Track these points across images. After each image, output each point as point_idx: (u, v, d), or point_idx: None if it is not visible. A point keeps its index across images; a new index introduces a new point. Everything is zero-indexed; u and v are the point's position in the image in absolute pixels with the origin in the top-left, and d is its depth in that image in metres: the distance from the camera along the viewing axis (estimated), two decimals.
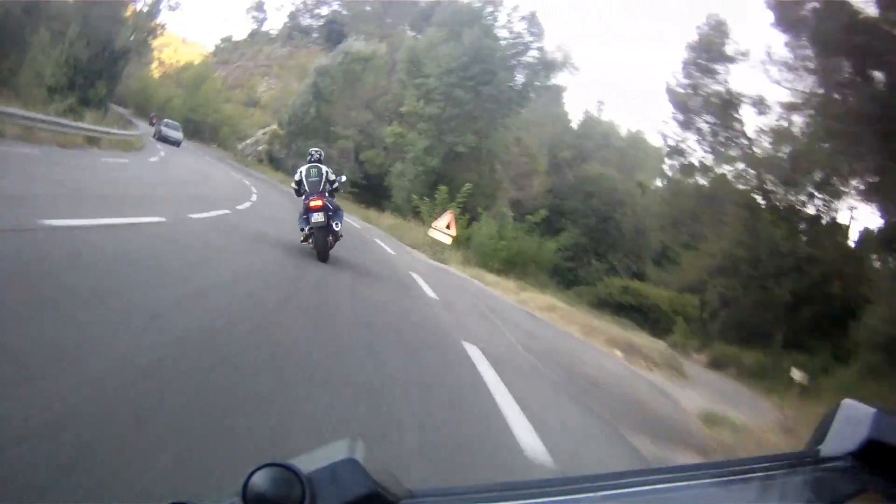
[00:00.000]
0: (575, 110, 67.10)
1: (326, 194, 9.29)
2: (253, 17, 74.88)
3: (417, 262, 15.42)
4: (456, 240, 18.33)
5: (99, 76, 29.02)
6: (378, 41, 45.39)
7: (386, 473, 0.62)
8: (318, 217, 8.96)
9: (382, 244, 16.74)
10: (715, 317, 24.42)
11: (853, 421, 0.72)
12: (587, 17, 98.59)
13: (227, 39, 70.80)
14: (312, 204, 8.99)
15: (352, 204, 33.37)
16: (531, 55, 36.03)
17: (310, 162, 9.84)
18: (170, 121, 35.61)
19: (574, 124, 50.27)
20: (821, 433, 0.75)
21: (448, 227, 18.32)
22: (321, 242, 9.01)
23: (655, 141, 40.42)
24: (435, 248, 18.20)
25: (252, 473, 0.55)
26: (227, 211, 11.45)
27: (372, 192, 40.15)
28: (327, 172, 9.69)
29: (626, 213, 38.41)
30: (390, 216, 30.39)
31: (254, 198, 17.18)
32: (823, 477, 0.70)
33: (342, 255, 9.92)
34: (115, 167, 14.76)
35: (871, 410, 0.70)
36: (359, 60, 45.35)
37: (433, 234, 18.63)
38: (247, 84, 58.40)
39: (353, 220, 23.83)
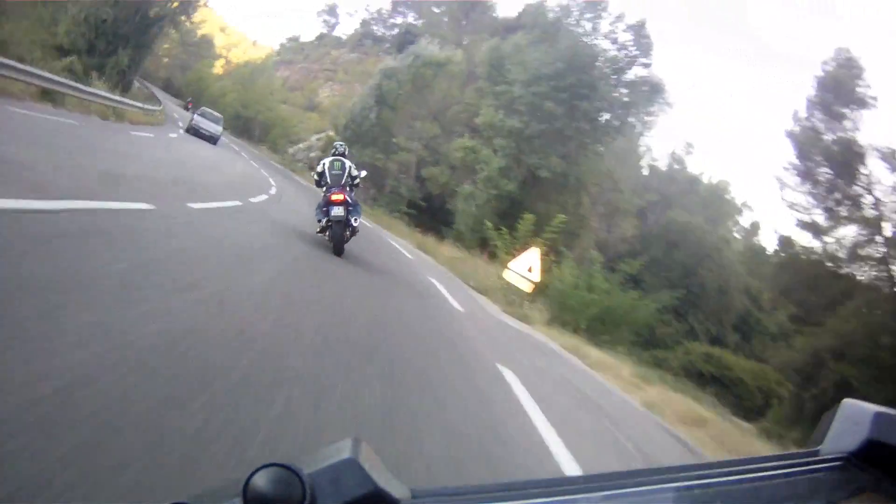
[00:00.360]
0: (655, 149, 59.72)
1: (347, 188, 9.47)
2: (324, 21, 70.35)
3: (490, 318, 12.19)
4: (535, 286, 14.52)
5: (125, 43, 25.31)
6: (454, 48, 38.04)
7: (386, 473, 0.63)
8: (338, 211, 9.03)
9: (441, 287, 12.88)
10: (820, 403, 20.26)
11: (853, 421, 0.72)
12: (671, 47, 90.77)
13: (293, 39, 68.42)
14: (334, 197, 9.10)
15: (406, 227, 30.20)
16: (635, 72, 28.54)
17: (334, 155, 10.02)
18: (208, 110, 29.47)
19: (657, 163, 46.56)
20: (821, 433, 0.74)
21: (530, 269, 14.39)
22: (338, 236, 9.12)
23: (738, 191, 32.68)
24: (510, 296, 14.81)
25: (252, 474, 0.56)
26: (237, 202, 10.52)
27: (431, 215, 35.76)
28: (350, 167, 9.88)
29: (712, 269, 34.77)
30: (451, 246, 26.37)
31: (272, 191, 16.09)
32: (823, 477, 0.70)
33: (393, 302, 8.05)
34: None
35: (871, 410, 0.70)
36: (431, 65, 40.01)
37: (509, 276, 14.79)
38: (308, 87, 55.53)
39: (404, 246, 21.10)
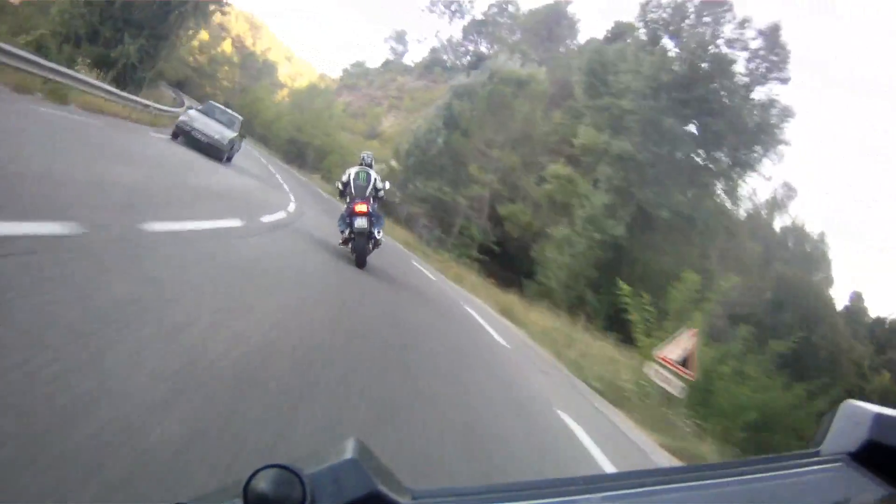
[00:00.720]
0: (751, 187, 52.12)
1: (371, 200, 9.74)
2: (391, 48, 66.53)
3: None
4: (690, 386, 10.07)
5: (137, 31, 21.32)
6: (537, 65, 38.10)
7: (387, 474, 0.65)
8: (362, 222, 9.25)
9: (568, 417, 7.03)
10: None
11: (853, 421, 0.74)
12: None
13: (357, 64, 63.80)
14: (358, 209, 9.34)
15: (478, 277, 24.23)
16: (768, 89, 20.76)
17: (360, 165, 10.32)
18: (216, 104, 20.79)
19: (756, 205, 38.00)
20: (821, 434, 0.76)
21: (686, 362, 9.85)
22: (361, 248, 9.42)
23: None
24: (654, 411, 9.81)
25: (253, 474, 0.58)
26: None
27: (508, 262, 29.98)
28: (375, 179, 10.11)
29: (825, 334, 28.54)
30: (543, 309, 19.67)
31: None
32: (823, 477, 0.72)
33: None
34: None
35: (871, 411, 0.72)
36: (510, 82, 33.75)
37: (653, 373, 10.20)
38: (370, 114, 51.58)
39: (483, 312, 14.78)
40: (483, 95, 33.57)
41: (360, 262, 9.50)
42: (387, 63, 69.00)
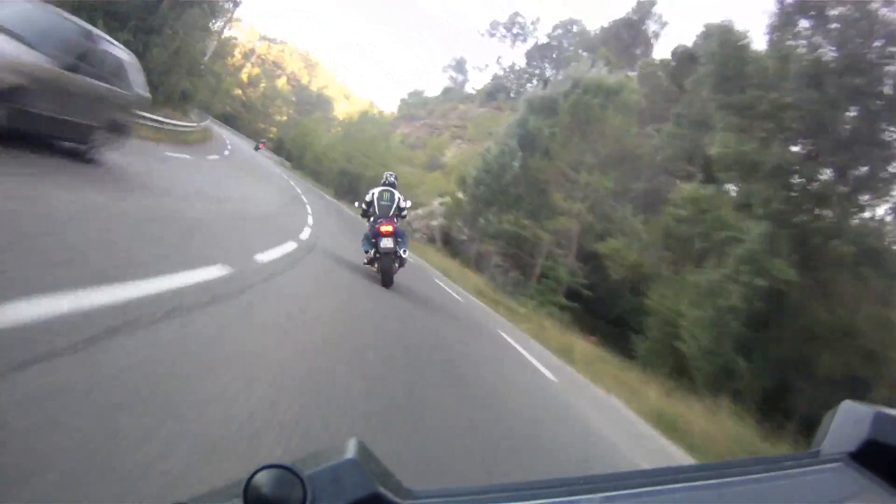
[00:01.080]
0: None
1: (395, 219, 10.11)
2: (450, 77, 63.50)
3: None
4: None
5: (120, 23, 15.65)
6: (627, 72, 24.20)
7: (387, 475, 0.66)
8: (387, 242, 9.41)
9: None
10: None
11: (853, 421, 0.74)
12: None
13: (415, 94, 59.86)
14: (383, 229, 9.50)
15: (559, 332, 17.71)
16: None
17: (383, 185, 10.54)
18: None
19: None
20: (821, 433, 0.76)
21: None
22: (387, 268, 9.59)
23: None
24: None
25: (253, 475, 0.58)
26: None
27: (606, 311, 24.41)
28: (399, 198, 10.38)
29: None
30: (702, 403, 12.82)
31: None
32: (823, 477, 0.72)
33: None
34: None
35: (871, 410, 0.73)
36: (597, 91, 27.65)
37: None
38: (431, 144, 46.12)
39: (605, 408, 10.51)
40: (566, 108, 28.68)
41: (387, 282, 9.81)
42: (446, 91, 67.75)
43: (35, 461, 2.00)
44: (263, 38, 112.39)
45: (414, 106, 62.79)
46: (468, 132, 53.08)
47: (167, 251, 5.68)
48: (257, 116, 76.26)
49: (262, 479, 0.56)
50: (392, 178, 10.58)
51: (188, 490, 2.17)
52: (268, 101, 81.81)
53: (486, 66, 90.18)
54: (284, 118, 75.24)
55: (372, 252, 9.86)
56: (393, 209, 10.08)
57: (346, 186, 42.83)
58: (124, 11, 17.52)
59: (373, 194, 10.35)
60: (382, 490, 0.60)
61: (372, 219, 10.16)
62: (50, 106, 7.07)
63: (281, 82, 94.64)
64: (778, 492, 0.71)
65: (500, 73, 63.84)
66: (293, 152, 53.55)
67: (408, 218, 23.50)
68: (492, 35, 65.32)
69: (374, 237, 9.68)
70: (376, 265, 9.87)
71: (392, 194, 10.22)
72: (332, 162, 44.01)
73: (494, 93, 59.83)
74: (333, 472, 0.59)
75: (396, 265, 9.92)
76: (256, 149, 43.04)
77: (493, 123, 50.94)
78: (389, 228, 9.46)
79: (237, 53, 75.99)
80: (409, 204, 10.71)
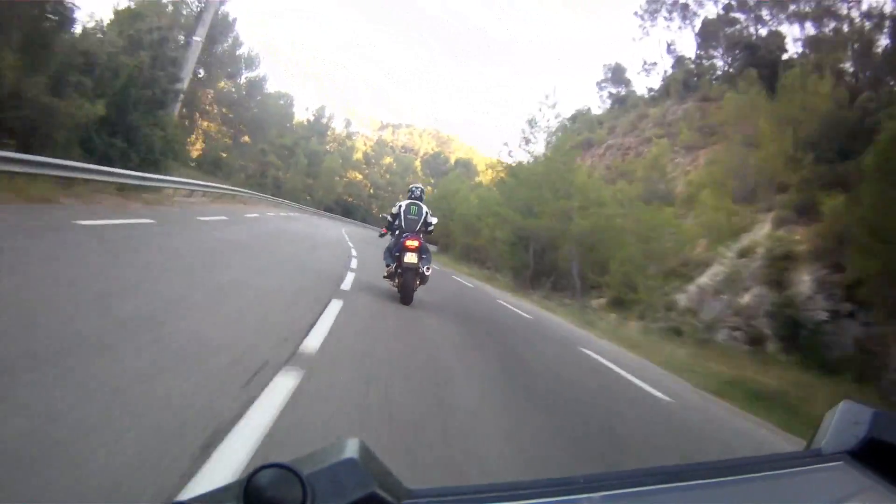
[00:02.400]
0: None
1: (421, 235, 10.12)
2: (609, 93, 58.58)
3: None
4: None
5: (3, 36, 12.41)
6: None
7: (387, 474, 0.67)
8: (411, 257, 9.42)
9: None
10: None
11: (852, 420, 0.74)
12: None
13: (580, 114, 55.54)
14: (409, 244, 9.50)
15: None
16: None
17: (410, 198, 10.53)
18: None
19: None
20: (821, 432, 0.76)
21: None
22: (409, 283, 9.66)
23: None
24: None
25: (253, 474, 0.59)
26: None
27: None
28: (427, 213, 10.34)
29: None
30: None
31: None
32: (823, 476, 0.72)
33: None
34: None
35: (870, 410, 0.74)
36: None
37: None
38: (642, 166, 35.31)
39: None
40: None
41: (407, 299, 9.83)
42: (620, 99, 53.03)
43: None
44: (385, 126, 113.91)
45: (576, 131, 43.56)
46: (681, 138, 35.61)
47: None
48: (365, 202, 73.75)
49: (262, 478, 0.57)
50: (419, 192, 10.48)
51: None
52: (396, 179, 79.05)
53: (654, 63, 64.18)
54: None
55: (393, 266, 9.84)
56: (420, 224, 9.94)
57: (539, 258, 27.14)
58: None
59: (399, 207, 10.25)
60: (382, 489, 0.60)
61: (398, 232, 10.07)
62: None
63: (416, 164, 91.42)
64: (779, 490, 0.71)
65: (672, 63, 48.77)
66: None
67: (683, 304, 15.59)
68: (653, 16, 49.54)
69: (398, 251, 9.59)
70: (396, 280, 9.86)
71: (420, 208, 10.10)
72: (498, 223, 30.05)
73: (688, 82, 44.37)
74: (333, 472, 0.59)
75: (418, 281, 9.81)
76: (381, 236, 38.35)
77: (718, 117, 31.43)
78: (415, 244, 9.36)
79: (359, 151, 80.00)
80: (435, 220, 10.43)
